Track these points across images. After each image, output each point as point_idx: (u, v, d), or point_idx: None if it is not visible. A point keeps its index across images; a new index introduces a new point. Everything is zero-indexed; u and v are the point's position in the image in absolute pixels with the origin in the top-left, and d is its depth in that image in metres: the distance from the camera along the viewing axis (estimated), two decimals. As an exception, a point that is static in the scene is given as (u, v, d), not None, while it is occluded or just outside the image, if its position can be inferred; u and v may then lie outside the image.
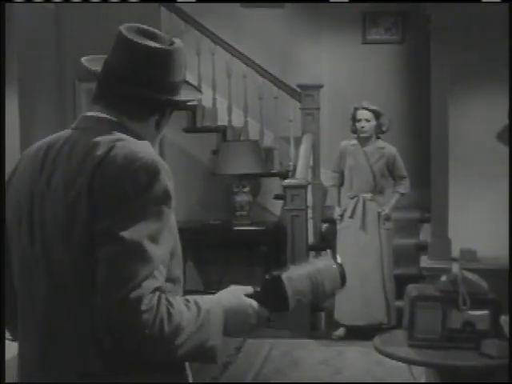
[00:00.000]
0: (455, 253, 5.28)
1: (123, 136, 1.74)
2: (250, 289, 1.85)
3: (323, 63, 8.14)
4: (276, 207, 7.35)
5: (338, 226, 6.18)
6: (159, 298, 1.61)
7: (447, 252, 5.28)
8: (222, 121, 7.62)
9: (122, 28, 1.82)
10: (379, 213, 6.02)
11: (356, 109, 6.16)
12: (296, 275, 1.77)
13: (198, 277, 6.95)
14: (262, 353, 5.84)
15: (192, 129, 7.49)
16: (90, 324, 1.64)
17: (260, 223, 7.08)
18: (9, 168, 4.97)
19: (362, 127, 6.07)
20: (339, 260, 1.84)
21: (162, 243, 1.64)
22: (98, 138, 1.71)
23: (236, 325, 1.79)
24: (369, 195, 6.08)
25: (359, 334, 6.05)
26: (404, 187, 6.15)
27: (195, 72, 7.44)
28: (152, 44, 1.82)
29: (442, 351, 3.80)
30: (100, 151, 1.68)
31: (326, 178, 6.81)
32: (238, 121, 7.62)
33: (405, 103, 8.01)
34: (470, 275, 3.95)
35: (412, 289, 4.03)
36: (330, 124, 8.00)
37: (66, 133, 1.83)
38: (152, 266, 1.60)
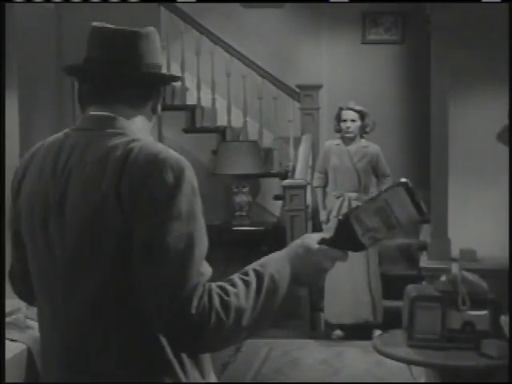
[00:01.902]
0: (455, 253, 5.27)
1: (133, 135, 1.74)
2: (323, 235, 1.83)
3: (323, 63, 8.14)
4: (275, 207, 7.35)
5: (324, 226, 6.20)
6: (210, 293, 1.61)
7: (447, 252, 5.26)
8: (222, 121, 7.62)
9: (95, 23, 1.83)
10: None
11: (341, 109, 6.19)
12: (364, 212, 1.72)
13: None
14: (262, 353, 5.84)
15: (191, 129, 7.49)
16: (127, 327, 1.66)
17: (259, 223, 7.08)
18: (9, 169, 4.94)
19: (348, 127, 6.11)
20: (403, 179, 1.73)
21: (199, 240, 1.64)
22: (111, 141, 1.71)
23: (309, 273, 1.78)
24: (354, 194, 6.10)
25: (352, 333, 6.06)
26: (387, 185, 6.14)
27: (194, 72, 7.44)
28: (129, 28, 1.83)
29: (441, 351, 3.80)
30: (118, 154, 1.66)
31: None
32: (237, 121, 7.62)
33: (404, 103, 8.01)
34: (469, 275, 3.95)
35: (411, 289, 4.03)
36: (330, 124, 7.99)
37: (70, 134, 1.81)
38: (197, 266, 1.60)
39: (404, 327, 3.96)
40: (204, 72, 7.43)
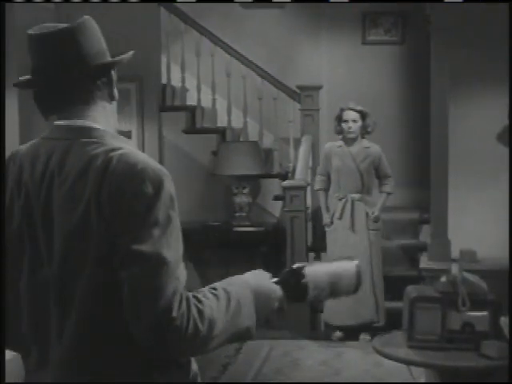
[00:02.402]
0: (455, 254, 5.27)
1: (110, 144, 1.74)
2: (269, 275, 1.89)
3: (323, 64, 8.14)
4: (275, 208, 7.35)
5: (327, 229, 6.19)
6: (188, 300, 1.65)
7: (447, 253, 5.27)
8: (222, 122, 7.62)
9: (30, 31, 1.80)
10: (367, 213, 6.02)
11: (342, 110, 6.16)
12: (318, 271, 1.84)
13: (197, 277, 6.94)
14: (262, 353, 5.84)
15: (191, 130, 7.49)
16: (113, 332, 1.69)
17: (259, 224, 7.08)
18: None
19: (349, 128, 6.08)
20: (357, 263, 1.92)
21: (175, 245, 1.67)
22: (90, 151, 1.72)
23: (261, 307, 1.81)
24: (357, 196, 6.07)
25: (353, 334, 6.07)
26: (389, 187, 6.15)
27: (195, 73, 7.44)
28: (59, 26, 1.79)
29: (441, 352, 3.79)
30: (98, 164, 1.68)
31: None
32: (237, 121, 7.62)
33: (404, 104, 8.01)
34: (469, 276, 3.94)
35: (411, 290, 4.03)
36: (330, 125, 7.99)
37: (43, 143, 1.80)
38: (174, 271, 1.64)
39: (404, 328, 3.96)
40: (204, 73, 7.43)
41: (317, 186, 6.37)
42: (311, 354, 5.79)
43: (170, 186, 1.68)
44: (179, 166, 7.22)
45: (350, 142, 6.15)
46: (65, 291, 1.71)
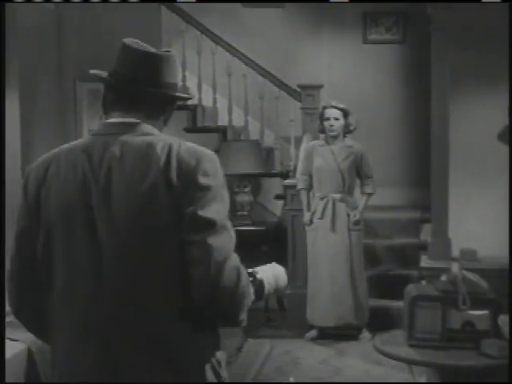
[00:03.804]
0: (455, 253, 5.27)
1: (162, 136, 2.06)
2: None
3: (324, 63, 8.14)
4: (277, 207, 7.36)
5: (307, 228, 6.15)
6: (238, 260, 1.98)
7: (447, 252, 5.27)
8: (223, 121, 7.62)
9: (127, 41, 2.11)
10: (349, 214, 6.01)
11: (324, 107, 6.14)
12: (264, 271, 2.23)
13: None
14: (263, 352, 5.85)
15: (192, 129, 7.49)
16: (175, 299, 1.95)
17: (260, 223, 7.08)
18: (10, 169, 4.90)
19: (332, 125, 6.05)
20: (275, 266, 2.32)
21: (228, 216, 2.00)
22: (146, 139, 2.01)
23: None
24: (338, 196, 6.03)
25: (330, 334, 6.09)
26: (371, 187, 6.10)
27: (196, 71, 7.45)
28: (154, 50, 2.10)
29: (441, 351, 3.81)
30: (159, 149, 1.98)
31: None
32: (238, 120, 7.62)
33: (406, 103, 8.02)
34: (469, 275, 3.95)
35: (412, 289, 4.04)
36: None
37: (96, 138, 2.07)
38: (232, 236, 1.98)
39: (404, 327, 3.97)
40: (205, 71, 7.43)
41: (299, 186, 6.30)
42: (312, 353, 5.80)
43: (220, 167, 2.03)
44: (180, 164, 7.22)
45: (331, 140, 6.12)
46: (126, 262, 1.95)
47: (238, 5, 8.00)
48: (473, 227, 5.40)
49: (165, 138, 2.03)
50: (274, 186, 7.32)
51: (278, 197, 7.21)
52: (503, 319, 3.78)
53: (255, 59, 7.48)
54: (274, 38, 8.05)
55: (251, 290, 2.02)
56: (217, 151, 7.28)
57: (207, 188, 1.95)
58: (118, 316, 1.95)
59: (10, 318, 3.36)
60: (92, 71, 2.16)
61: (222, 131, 7.54)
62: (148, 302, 1.95)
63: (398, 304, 4.63)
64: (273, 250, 6.75)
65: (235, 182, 7.14)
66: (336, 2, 7.64)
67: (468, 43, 5.53)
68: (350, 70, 8.08)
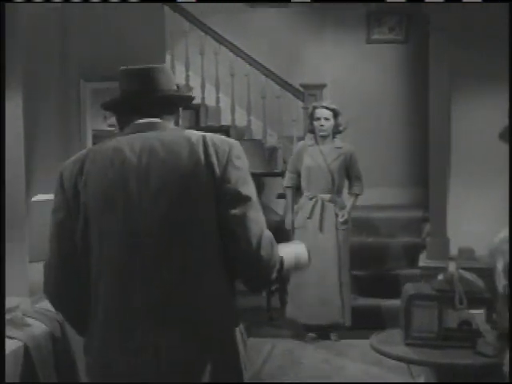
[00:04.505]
0: (454, 252, 5.28)
1: (187, 130, 2.37)
2: None
3: (327, 63, 8.16)
4: (279, 206, 7.37)
5: (296, 224, 6.16)
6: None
7: (445, 251, 5.28)
8: (226, 120, 7.64)
9: (122, 68, 2.45)
10: (337, 214, 6.03)
11: (315, 107, 6.16)
12: (289, 252, 2.47)
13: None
14: (264, 351, 5.86)
15: (195, 128, 7.51)
16: (216, 268, 2.23)
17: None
18: (13, 168, 4.91)
19: (322, 125, 6.06)
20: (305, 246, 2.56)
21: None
22: (178, 132, 2.35)
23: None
24: (327, 196, 6.05)
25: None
26: (359, 188, 6.13)
27: (199, 71, 7.48)
28: (157, 65, 2.48)
29: (438, 350, 3.82)
30: (194, 139, 2.27)
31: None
32: (241, 120, 7.65)
33: (409, 102, 8.03)
34: (466, 274, 3.97)
35: (409, 288, 4.06)
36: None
37: (128, 137, 2.34)
38: (261, 210, 2.29)
39: (401, 326, 3.98)
40: (208, 71, 7.46)
41: (285, 183, 6.35)
42: (313, 353, 5.82)
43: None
44: (183, 164, 7.26)
45: (321, 140, 6.14)
46: (171, 237, 2.20)
47: (242, 4, 8.03)
48: (472, 227, 5.40)
49: (193, 131, 2.35)
50: (277, 185, 7.34)
51: (280, 196, 7.23)
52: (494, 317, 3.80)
53: (259, 59, 7.50)
54: (277, 38, 8.08)
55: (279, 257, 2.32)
56: (219, 151, 7.31)
57: (241, 168, 2.28)
58: (164, 296, 2.18)
59: (8, 316, 3.40)
60: (102, 103, 2.48)
61: (225, 131, 7.55)
62: (195, 278, 2.20)
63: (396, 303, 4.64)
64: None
65: (238, 181, 7.16)
66: (337, 2, 7.66)
67: (468, 43, 5.54)
68: (353, 70, 8.10)
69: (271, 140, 7.70)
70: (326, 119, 6.06)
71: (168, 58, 7.45)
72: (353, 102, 7.87)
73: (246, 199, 2.24)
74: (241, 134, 7.68)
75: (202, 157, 2.24)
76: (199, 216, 2.23)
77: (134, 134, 2.36)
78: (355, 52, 8.14)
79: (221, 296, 2.24)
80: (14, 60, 5.61)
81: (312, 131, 6.19)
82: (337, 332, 6.05)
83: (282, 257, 2.35)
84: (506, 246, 2.37)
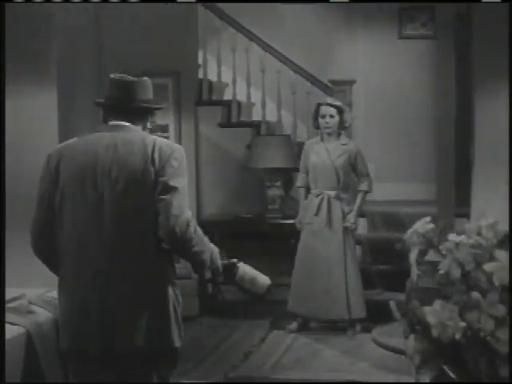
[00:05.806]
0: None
1: (146, 134, 3.08)
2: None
3: (359, 59, 8.22)
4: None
5: (304, 221, 6.22)
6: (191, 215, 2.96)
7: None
8: (257, 115, 7.75)
9: (113, 75, 3.12)
10: (343, 210, 6.08)
11: (320, 105, 6.19)
12: (249, 269, 3.18)
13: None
14: (285, 343, 5.96)
15: (227, 124, 7.64)
16: (150, 236, 2.91)
17: (291, 216, 7.14)
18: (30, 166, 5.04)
19: (327, 123, 6.11)
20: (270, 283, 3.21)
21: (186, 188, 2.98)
22: (138, 135, 3.02)
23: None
24: (333, 193, 6.10)
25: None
26: (366, 185, 6.16)
27: (230, 67, 7.59)
28: (132, 78, 3.12)
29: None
30: (148, 141, 2.97)
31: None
32: (271, 115, 7.74)
33: (436, 101, 8.02)
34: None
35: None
36: (365, 119, 8.08)
37: (101, 134, 3.04)
38: (187, 202, 2.94)
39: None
40: (239, 67, 7.57)
41: (297, 184, 6.44)
42: (332, 345, 5.85)
43: (185, 155, 3.01)
44: (214, 159, 7.40)
45: (326, 137, 6.19)
46: (121, 211, 2.91)
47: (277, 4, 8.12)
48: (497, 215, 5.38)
49: (149, 135, 3.08)
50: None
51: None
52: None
53: (290, 55, 7.59)
54: (309, 34, 8.16)
55: (205, 242, 2.99)
56: (248, 146, 7.43)
57: (175, 167, 2.93)
58: (115, 253, 2.90)
59: (14, 304, 3.55)
60: (96, 100, 3.16)
61: (256, 126, 7.67)
62: (135, 241, 2.91)
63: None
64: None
65: (267, 176, 7.27)
66: (337, 2, 7.71)
67: (494, 39, 5.51)
68: (385, 65, 8.13)
69: (302, 135, 7.78)
70: (331, 116, 6.12)
71: (200, 54, 7.59)
72: (385, 98, 7.93)
73: (173, 189, 2.90)
74: (271, 129, 7.78)
75: (150, 155, 2.94)
76: (143, 199, 2.91)
77: (107, 132, 3.06)
78: (387, 47, 8.18)
79: (154, 257, 2.92)
80: (49, 57, 5.79)
81: (317, 127, 6.26)
82: (352, 328, 6.07)
83: (235, 263, 3.16)
84: (417, 238, 2.55)
